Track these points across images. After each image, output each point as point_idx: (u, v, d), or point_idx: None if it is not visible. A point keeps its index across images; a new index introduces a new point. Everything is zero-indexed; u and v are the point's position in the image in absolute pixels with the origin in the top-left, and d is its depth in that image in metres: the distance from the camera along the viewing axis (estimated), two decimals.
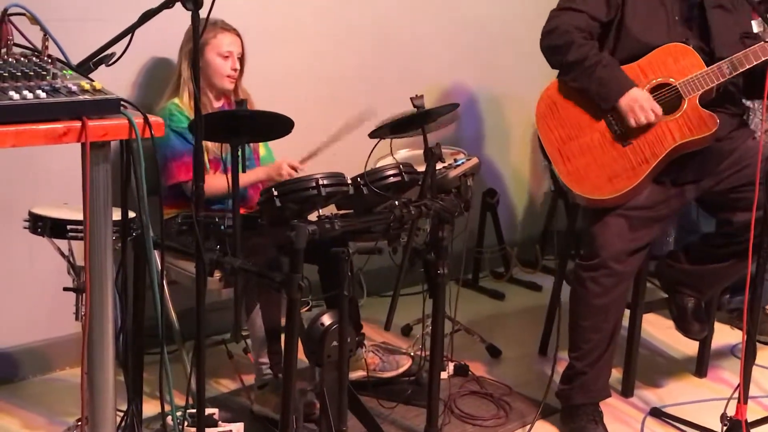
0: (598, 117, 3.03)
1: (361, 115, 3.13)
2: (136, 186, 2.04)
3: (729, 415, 2.75)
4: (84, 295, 2.05)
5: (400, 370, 3.36)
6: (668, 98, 2.96)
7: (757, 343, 2.85)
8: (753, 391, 2.95)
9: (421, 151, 2.93)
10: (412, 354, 3.47)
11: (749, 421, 2.77)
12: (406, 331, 3.89)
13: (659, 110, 2.93)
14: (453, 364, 3.47)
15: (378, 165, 2.99)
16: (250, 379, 3.19)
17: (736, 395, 2.73)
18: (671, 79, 2.96)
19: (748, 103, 3.65)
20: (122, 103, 1.91)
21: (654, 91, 2.98)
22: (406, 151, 3.58)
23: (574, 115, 3.06)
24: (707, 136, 2.95)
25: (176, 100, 3.23)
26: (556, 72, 3.15)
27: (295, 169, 3.21)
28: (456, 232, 2.97)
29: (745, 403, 2.71)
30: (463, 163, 3.31)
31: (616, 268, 3.02)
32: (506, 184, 4.88)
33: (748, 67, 2.86)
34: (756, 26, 3.05)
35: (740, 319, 2.96)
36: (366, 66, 4.12)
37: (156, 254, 2.56)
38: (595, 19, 3.03)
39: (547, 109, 3.10)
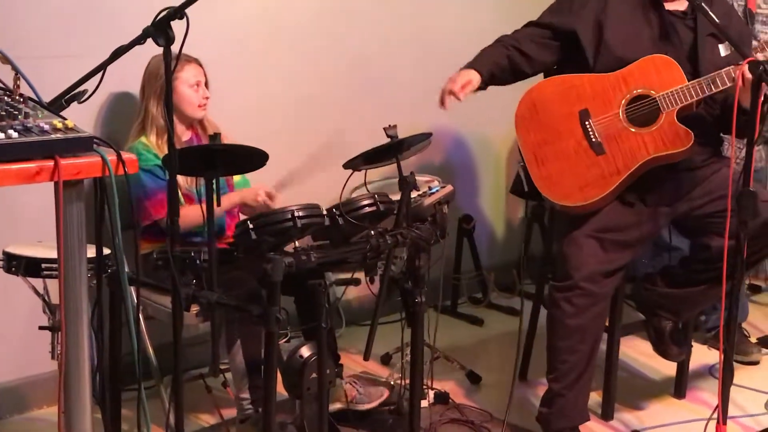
0: (576, 124, 3.04)
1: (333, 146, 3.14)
2: (110, 223, 2.03)
3: None
4: (60, 333, 2.03)
5: (378, 402, 3.33)
6: (647, 110, 2.97)
7: (735, 363, 2.86)
8: (732, 411, 2.96)
9: (395, 180, 2.94)
10: (392, 383, 3.45)
11: None
12: (386, 360, 3.88)
13: (457, 89, 3.08)
14: (433, 392, 3.46)
15: (353, 195, 3.00)
16: (229, 413, 3.17)
17: (715, 416, 2.74)
18: (652, 91, 2.97)
19: None
20: (95, 140, 1.91)
21: (634, 101, 2.99)
22: (380, 180, 3.59)
23: (552, 119, 3.07)
24: (681, 152, 2.96)
25: (143, 139, 3.22)
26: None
27: (271, 196, 3.21)
28: (433, 259, 2.97)
29: (725, 423, 2.72)
30: (437, 190, 3.32)
31: (589, 289, 3.02)
32: (482, 210, 4.90)
33: (729, 85, 2.83)
34: (723, 50, 3.09)
35: (717, 339, 2.98)
36: (338, 95, 4.13)
37: (132, 290, 2.55)
38: (542, 27, 3.18)
39: (526, 111, 3.10)
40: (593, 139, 3.02)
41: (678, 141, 2.95)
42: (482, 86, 3.17)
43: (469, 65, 3.17)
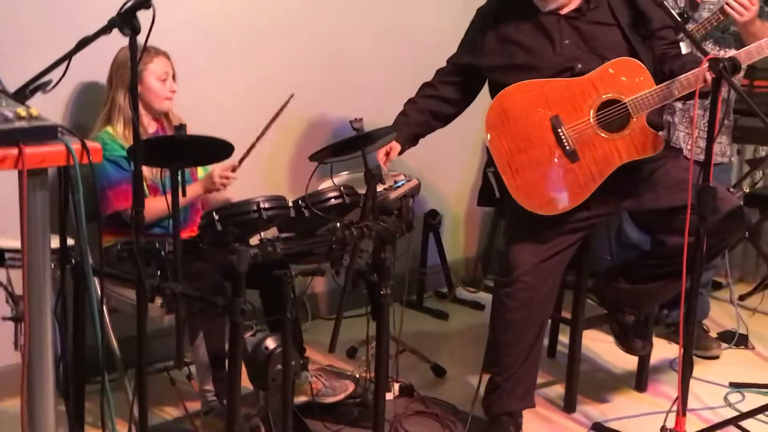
0: (548, 131, 3.01)
1: (282, 104, 3.14)
2: (74, 213, 2.02)
3: (669, 427, 2.80)
4: (23, 324, 2.02)
5: (343, 395, 3.33)
6: (617, 116, 2.97)
7: (694, 357, 2.90)
8: (691, 403, 3.00)
9: (361, 174, 2.94)
10: (357, 376, 3.46)
11: None
12: (351, 353, 3.89)
13: (382, 161, 3.22)
14: (398, 384, 3.48)
15: (319, 187, 3.00)
16: (193, 406, 3.16)
17: (675, 408, 2.78)
18: (621, 96, 2.96)
19: (667, 117, 3.72)
20: (59, 129, 1.90)
21: (604, 107, 2.98)
22: (347, 173, 3.59)
23: (524, 127, 3.03)
24: (652, 157, 2.98)
25: (109, 129, 3.21)
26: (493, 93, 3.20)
27: (227, 176, 3.21)
28: (398, 253, 2.98)
29: (684, 415, 2.76)
30: (403, 184, 3.33)
31: (530, 282, 3.05)
32: (448, 205, 4.92)
33: (701, 86, 2.76)
34: (685, 48, 3.12)
35: (677, 333, 3.02)
36: (307, 88, 4.12)
37: (96, 281, 2.54)
38: (456, 67, 3.32)
39: (497, 119, 3.06)
40: (567, 147, 2.99)
41: (649, 146, 2.96)
42: (410, 146, 3.34)
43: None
